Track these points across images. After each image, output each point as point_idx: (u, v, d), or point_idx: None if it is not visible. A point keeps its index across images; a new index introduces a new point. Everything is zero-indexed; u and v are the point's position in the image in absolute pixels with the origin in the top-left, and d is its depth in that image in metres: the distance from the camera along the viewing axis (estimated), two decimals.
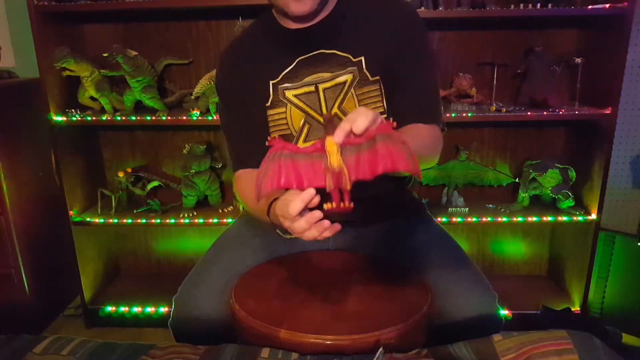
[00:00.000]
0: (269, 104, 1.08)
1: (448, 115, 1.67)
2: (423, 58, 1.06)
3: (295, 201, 0.75)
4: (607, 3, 1.55)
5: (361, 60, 1.03)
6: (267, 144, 0.79)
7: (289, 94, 1.06)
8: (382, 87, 1.04)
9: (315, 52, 1.05)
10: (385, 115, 1.05)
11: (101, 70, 1.74)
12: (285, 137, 1.08)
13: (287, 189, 0.82)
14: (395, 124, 0.73)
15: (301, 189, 0.76)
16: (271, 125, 1.09)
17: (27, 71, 1.90)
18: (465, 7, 1.63)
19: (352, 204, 0.74)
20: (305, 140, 1.07)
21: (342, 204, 0.74)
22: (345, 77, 1.04)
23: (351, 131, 0.72)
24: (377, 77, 1.04)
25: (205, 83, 1.71)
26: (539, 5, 1.59)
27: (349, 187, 0.73)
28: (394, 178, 0.76)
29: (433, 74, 1.09)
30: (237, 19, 1.75)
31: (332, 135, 0.73)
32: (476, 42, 1.84)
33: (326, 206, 0.76)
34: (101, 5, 1.62)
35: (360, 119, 0.72)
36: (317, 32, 1.04)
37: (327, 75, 1.04)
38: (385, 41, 1.03)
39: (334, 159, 0.73)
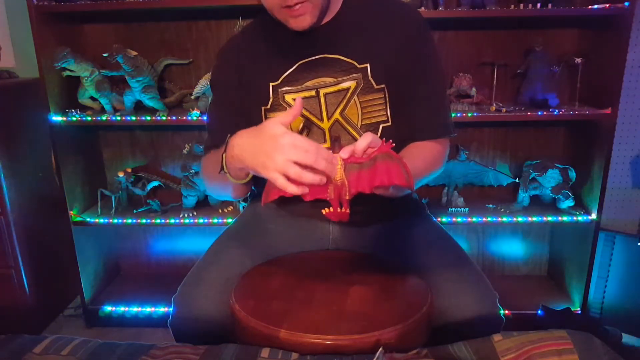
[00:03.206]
0: (268, 106, 1.07)
1: None
2: (431, 69, 1.06)
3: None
4: (607, 3, 1.55)
5: (366, 67, 1.03)
6: None
7: (289, 97, 1.06)
8: (386, 96, 1.04)
9: (317, 56, 1.04)
10: (388, 124, 1.05)
11: (101, 70, 1.74)
12: None
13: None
14: (393, 144, 0.81)
15: (305, 199, 0.83)
16: None
17: (27, 71, 1.90)
18: (465, 7, 1.63)
19: (348, 211, 0.83)
20: None
21: (339, 210, 0.83)
22: (349, 84, 1.03)
23: (354, 151, 0.80)
24: (382, 85, 1.03)
25: (205, 83, 1.71)
26: (539, 5, 1.59)
27: (348, 197, 0.82)
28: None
29: (441, 83, 1.10)
30: (237, 19, 1.75)
31: (337, 153, 0.82)
32: (476, 42, 1.84)
33: (324, 211, 0.84)
34: (101, 5, 1.62)
35: (362, 140, 0.81)
36: (321, 36, 1.03)
37: (330, 80, 1.04)
38: (392, 49, 1.03)
39: (338, 173, 0.82)
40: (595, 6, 1.56)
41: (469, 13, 1.60)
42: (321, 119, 1.06)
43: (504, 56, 1.81)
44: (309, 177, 0.77)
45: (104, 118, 1.74)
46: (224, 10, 1.78)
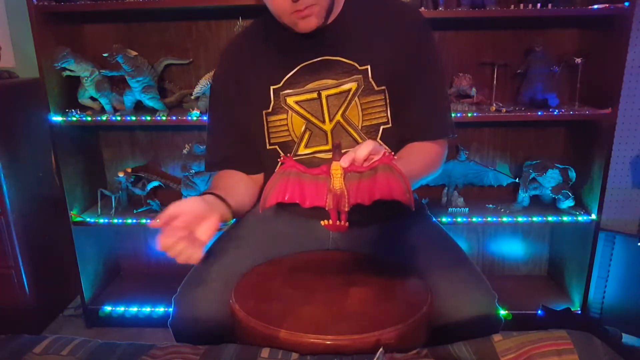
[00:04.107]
0: (270, 110, 1.07)
1: None
2: (431, 68, 1.06)
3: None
4: (607, 3, 1.55)
5: (367, 69, 1.03)
6: (279, 161, 0.89)
7: (290, 100, 1.06)
8: (387, 97, 1.04)
9: (319, 59, 1.04)
10: (389, 126, 1.05)
11: (101, 70, 1.74)
12: (286, 144, 1.09)
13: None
14: (396, 157, 0.80)
15: (303, 205, 0.84)
16: (272, 131, 1.09)
17: (27, 71, 1.90)
18: (465, 7, 1.63)
19: (347, 224, 0.83)
20: (306, 147, 1.07)
21: (338, 223, 0.83)
22: (350, 85, 1.03)
23: (354, 159, 0.80)
24: (383, 87, 1.03)
25: (205, 83, 1.71)
26: (539, 5, 1.59)
27: (347, 208, 0.81)
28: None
29: (441, 83, 1.09)
30: (237, 19, 1.75)
31: (338, 161, 0.80)
32: (476, 42, 1.84)
33: (323, 223, 0.84)
34: (101, 5, 1.62)
35: (363, 148, 0.80)
36: (322, 38, 1.03)
37: (331, 82, 1.04)
38: (393, 51, 1.03)
39: (337, 182, 0.81)
40: (595, 6, 1.56)
41: (469, 13, 1.60)
42: (323, 121, 1.06)
43: (504, 56, 1.81)
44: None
45: (104, 118, 1.74)
46: (224, 10, 1.78)
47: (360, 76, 1.03)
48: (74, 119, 1.73)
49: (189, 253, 0.85)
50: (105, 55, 1.66)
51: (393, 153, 0.81)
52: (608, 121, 1.63)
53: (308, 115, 1.06)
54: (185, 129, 1.96)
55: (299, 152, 1.08)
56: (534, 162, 1.81)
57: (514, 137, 1.95)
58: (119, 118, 1.74)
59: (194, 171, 1.81)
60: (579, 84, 1.72)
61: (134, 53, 1.69)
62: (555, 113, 1.65)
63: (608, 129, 1.64)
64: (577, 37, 1.80)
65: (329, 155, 1.06)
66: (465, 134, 1.93)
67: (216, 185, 1.08)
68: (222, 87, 1.14)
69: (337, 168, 0.81)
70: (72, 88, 1.79)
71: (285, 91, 1.06)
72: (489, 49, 1.84)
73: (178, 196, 1.92)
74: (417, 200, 1.30)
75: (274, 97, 1.06)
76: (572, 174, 1.77)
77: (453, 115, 1.64)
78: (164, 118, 1.73)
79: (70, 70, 1.70)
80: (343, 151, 0.82)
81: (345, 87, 1.03)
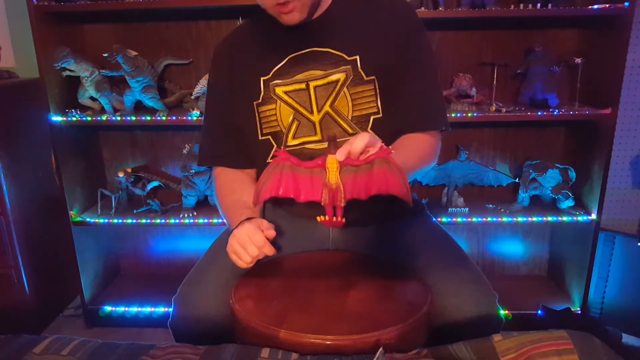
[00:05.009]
0: (260, 100, 1.08)
1: (448, 115, 1.67)
2: (422, 59, 1.07)
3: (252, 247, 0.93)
4: (607, 3, 1.55)
5: (356, 59, 1.04)
6: (272, 153, 0.88)
7: (279, 90, 1.07)
8: (376, 87, 1.04)
9: (307, 50, 1.05)
10: (379, 116, 1.05)
11: (101, 70, 1.74)
12: (276, 134, 1.09)
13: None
14: (393, 151, 0.79)
15: (297, 200, 0.82)
16: (263, 122, 1.10)
17: (27, 71, 1.90)
18: (465, 7, 1.63)
19: (343, 219, 0.81)
20: (294, 137, 1.07)
21: (334, 218, 0.81)
22: (338, 76, 1.04)
23: (350, 152, 0.79)
24: (373, 77, 1.04)
25: (205, 83, 1.71)
26: (539, 5, 1.59)
27: (343, 203, 0.79)
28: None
29: (433, 75, 1.09)
30: (237, 19, 1.75)
31: (333, 154, 0.78)
32: (476, 42, 1.84)
33: (319, 219, 0.83)
34: (101, 5, 1.62)
35: (358, 140, 0.79)
36: (311, 30, 1.05)
37: (319, 73, 1.05)
38: (382, 41, 1.04)
39: (333, 176, 0.79)
40: (595, 6, 1.56)
41: (469, 13, 1.60)
42: (311, 112, 1.06)
43: (504, 56, 1.81)
44: (241, 263, 0.95)
45: (104, 118, 1.74)
46: (224, 10, 1.78)
47: (349, 67, 1.04)
48: (74, 119, 1.73)
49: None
50: (105, 55, 1.66)
51: (390, 148, 0.81)
52: (608, 121, 1.63)
53: (296, 105, 1.06)
54: (185, 129, 1.96)
55: (288, 143, 1.08)
56: (534, 162, 1.81)
57: (514, 137, 1.95)
58: (119, 118, 1.74)
59: (194, 171, 1.81)
60: (579, 84, 1.72)
61: (134, 53, 1.69)
62: (555, 113, 1.65)
63: (608, 129, 1.64)
64: (577, 37, 1.80)
65: (318, 146, 1.06)
66: (465, 134, 1.93)
67: (240, 208, 1.07)
68: (216, 83, 1.16)
69: (332, 162, 0.79)
70: (72, 88, 1.79)
71: (274, 81, 1.07)
72: (489, 49, 1.84)
73: (178, 196, 1.92)
74: (417, 200, 1.30)
75: (263, 88, 1.07)
76: (572, 174, 1.77)
77: (454, 115, 1.66)
78: (164, 118, 1.73)
79: (70, 70, 1.70)
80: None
81: (333, 77, 1.04)
